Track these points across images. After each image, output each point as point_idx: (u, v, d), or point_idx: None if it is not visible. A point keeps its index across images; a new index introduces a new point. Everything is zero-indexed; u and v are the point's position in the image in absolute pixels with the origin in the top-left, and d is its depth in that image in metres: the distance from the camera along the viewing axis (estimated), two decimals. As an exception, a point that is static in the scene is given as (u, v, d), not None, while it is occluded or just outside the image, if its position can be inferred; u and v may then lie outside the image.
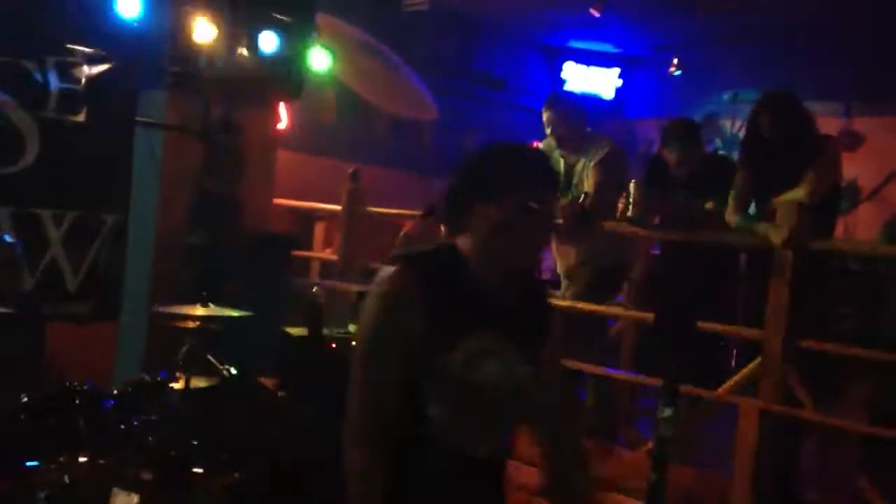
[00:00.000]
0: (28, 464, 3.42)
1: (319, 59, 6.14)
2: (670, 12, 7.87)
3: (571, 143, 4.88)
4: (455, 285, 1.97)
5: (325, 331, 4.90)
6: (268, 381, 4.64)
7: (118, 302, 5.61)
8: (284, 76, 6.11)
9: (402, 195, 6.73)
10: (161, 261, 5.96)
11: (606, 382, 4.78)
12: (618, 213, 4.68)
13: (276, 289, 5.93)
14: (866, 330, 4.09)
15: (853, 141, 8.02)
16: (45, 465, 3.43)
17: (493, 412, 2.00)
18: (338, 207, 6.57)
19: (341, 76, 7.05)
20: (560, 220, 4.84)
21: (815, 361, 3.97)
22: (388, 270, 1.97)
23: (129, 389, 3.90)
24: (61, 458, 3.45)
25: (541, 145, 5.25)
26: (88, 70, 5.43)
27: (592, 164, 4.82)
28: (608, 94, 9.92)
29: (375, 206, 6.53)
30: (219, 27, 5.69)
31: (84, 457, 3.45)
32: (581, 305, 4.74)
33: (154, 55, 5.84)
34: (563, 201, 4.86)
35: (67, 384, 3.76)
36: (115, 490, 3.58)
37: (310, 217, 7.29)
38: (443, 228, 2.11)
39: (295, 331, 4.96)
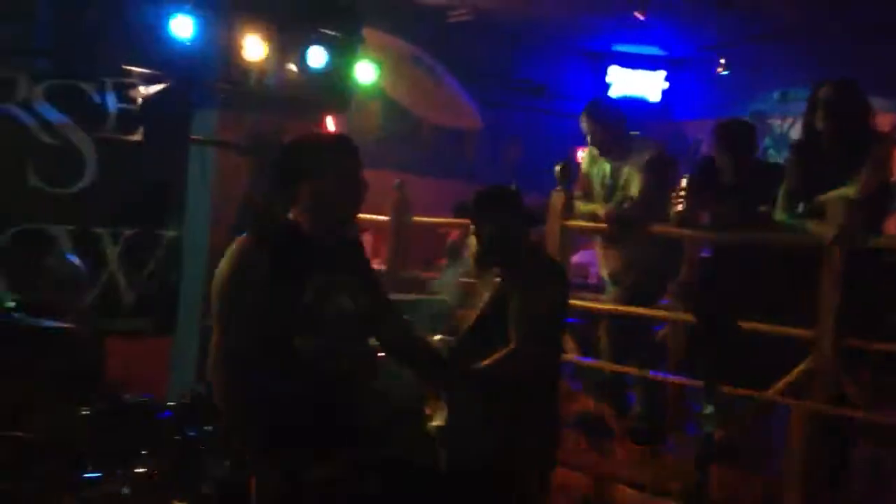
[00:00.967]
0: (89, 476, 3.55)
1: (365, 72, 6.24)
2: (715, 11, 7.79)
3: (613, 148, 4.89)
4: (292, 244, 2.54)
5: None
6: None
7: (174, 316, 5.76)
8: (332, 90, 6.23)
9: (447, 204, 6.79)
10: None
11: (654, 386, 4.76)
12: (669, 214, 4.66)
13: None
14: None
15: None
16: (106, 476, 3.56)
17: (345, 332, 2.56)
18: (385, 218, 6.65)
19: (387, 88, 7.14)
20: (605, 225, 4.86)
21: (867, 360, 3.91)
22: (239, 241, 2.52)
23: (185, 402, 4.02)
24: (121, 471, 3.57)
25: (583, 153, 5.27)
26: (144, 90, 5.59)
27: (637, 168, 4.82)
28: (654, 96, 9.85)
29: (421, 216, 6.58)
30: (268, 45, 5.83)
31: (142, 468, 3.57)
32: (626, 309, 4.73)
33: (206, 74, 5.99)
34: (608, 206, 4.87)
35: (126, 397, 3.90)
36: (174, 501, 3.70)
37: (357, 228, 7.37)
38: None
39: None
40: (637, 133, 5.02)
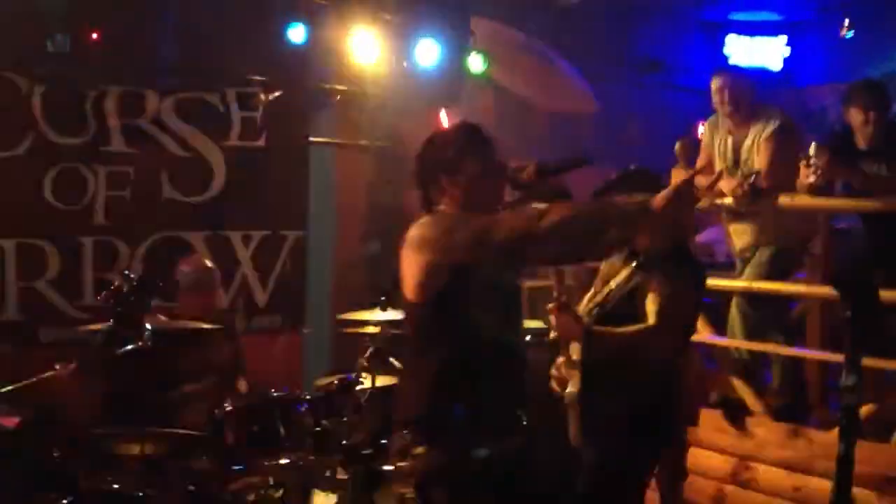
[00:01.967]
0: (235, 468, 3.71)
1: (475, 63, 6.27)
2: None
3: (740, 116, 4.73)
4: None
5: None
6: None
7: (302, 312, 5.95)
8: (444, 84, 6.29)
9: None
10: (340, 271, 6.25)
11: (794, 362, 4.60)
12: (798, 184, 4.47)
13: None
14: None
15: None
16: (251, 469, 3.70)
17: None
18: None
19: (497, 77, 7.13)
20: (732, 199, 4.71)
21: None
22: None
23: (321, 393, 4.14)
24: (265, 462, 3.70)
25: (705, 125, 5.13)
26: (265, 97, 5.80)
27: (763, 137, 4.65)
28: (776, 64, 9.48)
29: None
30: (380, 44, 5.93)
31: (285, 459, 3.69)
32: (761, 285, 4.58)
33: (322, 76, 6.16)
34: (734, 179, 4.72)
35: (265, 392, 4.04)
36: (316, 490, 3.82)
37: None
38: None
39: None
40: (759, 102, 4.84)
